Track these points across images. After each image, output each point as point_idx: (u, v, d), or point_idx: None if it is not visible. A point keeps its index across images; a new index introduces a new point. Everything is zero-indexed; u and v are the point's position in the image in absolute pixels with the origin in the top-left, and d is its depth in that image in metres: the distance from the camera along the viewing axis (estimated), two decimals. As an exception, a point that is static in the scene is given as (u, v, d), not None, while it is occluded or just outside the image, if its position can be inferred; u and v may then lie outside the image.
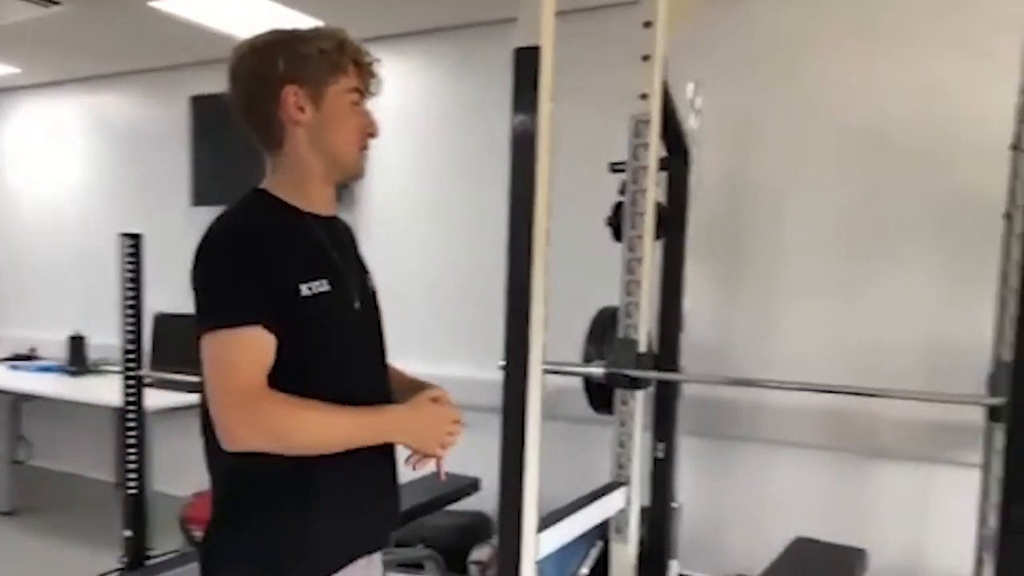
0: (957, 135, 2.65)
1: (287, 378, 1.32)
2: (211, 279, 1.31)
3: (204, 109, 4.21)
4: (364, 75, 1.46)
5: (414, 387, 1.52)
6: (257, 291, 1.30)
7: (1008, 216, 2.13)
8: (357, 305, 1.46)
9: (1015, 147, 2.10)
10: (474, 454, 2.89)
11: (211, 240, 1.33)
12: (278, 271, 1.32)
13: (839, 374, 2.74)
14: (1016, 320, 1.58)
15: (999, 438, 1.99)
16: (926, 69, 2.70)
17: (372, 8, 3.35)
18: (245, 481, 1.37)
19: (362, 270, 1.54)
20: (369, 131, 1.46)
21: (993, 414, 2.09)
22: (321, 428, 1.31)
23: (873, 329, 2.80)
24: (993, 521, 1.67)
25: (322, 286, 1.37)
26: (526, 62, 1.67)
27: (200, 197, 4.23)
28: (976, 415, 2.24)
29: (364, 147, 1.47)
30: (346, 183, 1.50)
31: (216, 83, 4.91)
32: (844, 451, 2.87)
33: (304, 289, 1.34)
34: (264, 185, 1.44)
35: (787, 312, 2.94)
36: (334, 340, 1.40)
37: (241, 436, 1.26)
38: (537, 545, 1.78)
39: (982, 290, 2.31)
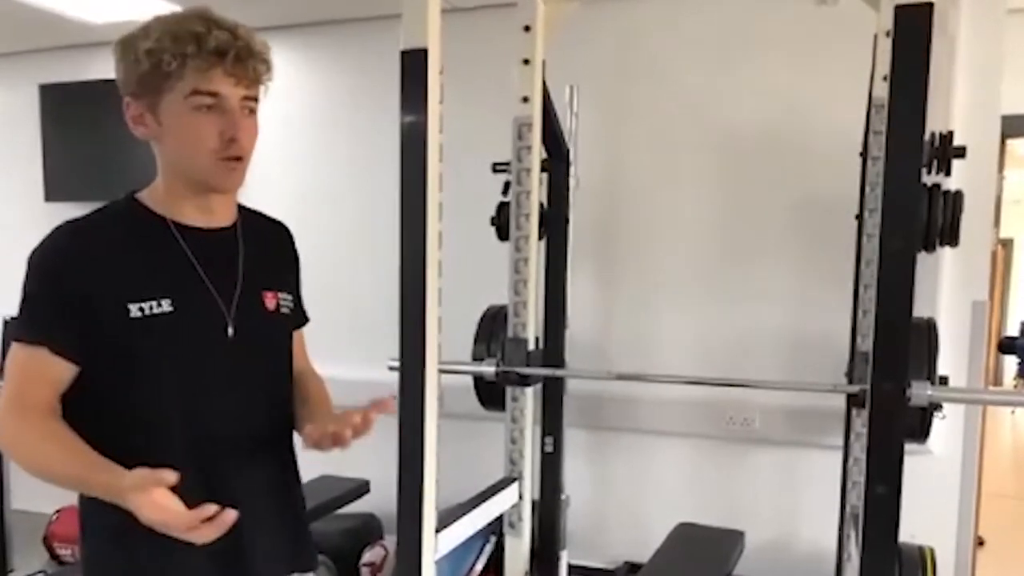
0: (815, 141, 2.78)
1: (109, 405, 1.25)
2: (23, 291, 1.25)
3: (55, 98, 3.89)
4: (228, 67, 1.22)
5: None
6: (51, 313, 1.23)
7: (859, 217, 2.28)
8: (231, 332, 1.30)
9: (863, 154, 2.24)
10: (362, 456, 2.86)
11: (34, 250, 1.26)
12: (99, 291, 1.22)
13: (713, 365, 2.86)
14: (874, 314, 1.69)
15: (858, 423, 2.16)
16: (787, 78, 2.83)
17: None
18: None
19: (254, 289, 1.36)
20: (229, 136, 1.24)
21: (852, 400, 2.26)
22: (38, 464, 1.22)
23: (742, 323, 2.91)
24: (855, 499, 1.80)
25: (160, 307, 1.24)
26: (413, 65, 1.68)
27: (54, 192, 3.93)
28: (836, 401, 2.40)
29: (225, 156, 1.25)
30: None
31: (67, 71, 4.54)
32: (720, 438, 2.97)
33: (134, 309, 1.22)
34: (144, 190, 1.33)
35: (664, 307, 3.02)
36: (173, 367, 1.26)
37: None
38: (436, 545, 1.80)
39: (838, 286, 2.44)
